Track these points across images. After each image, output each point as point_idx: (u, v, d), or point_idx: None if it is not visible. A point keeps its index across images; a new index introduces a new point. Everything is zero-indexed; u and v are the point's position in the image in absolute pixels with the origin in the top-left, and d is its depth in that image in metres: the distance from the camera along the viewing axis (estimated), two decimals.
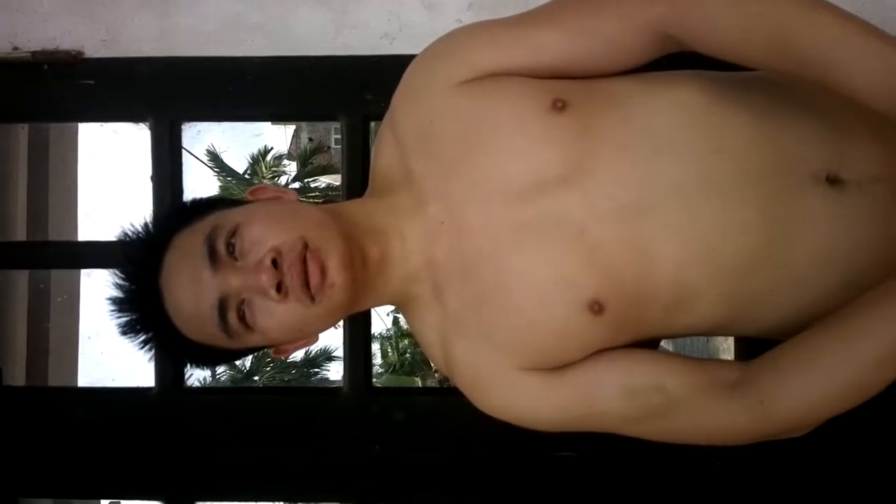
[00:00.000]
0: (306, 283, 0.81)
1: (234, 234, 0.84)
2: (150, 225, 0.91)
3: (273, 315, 0.83)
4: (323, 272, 0.82)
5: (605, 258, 0.84)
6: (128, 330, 0.90)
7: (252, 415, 1.43)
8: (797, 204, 0.84)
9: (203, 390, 1.40)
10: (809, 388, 0.82)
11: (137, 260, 0.89)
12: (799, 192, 0.84)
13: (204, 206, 0.90)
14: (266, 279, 0.81)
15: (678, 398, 0.86)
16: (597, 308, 0.84)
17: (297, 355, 12.61)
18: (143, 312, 0.89)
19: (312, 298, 0.82)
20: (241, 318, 0.83)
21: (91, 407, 1.45)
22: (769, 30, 0.80)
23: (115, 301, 0.89)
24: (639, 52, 0.89)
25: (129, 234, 0.91)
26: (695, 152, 0.84)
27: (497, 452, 1.38)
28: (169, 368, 1.41)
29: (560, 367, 0.88)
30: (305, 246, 0.82)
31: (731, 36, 0.83)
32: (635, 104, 0.87)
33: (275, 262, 0.81)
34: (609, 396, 0.87)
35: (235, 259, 0.84)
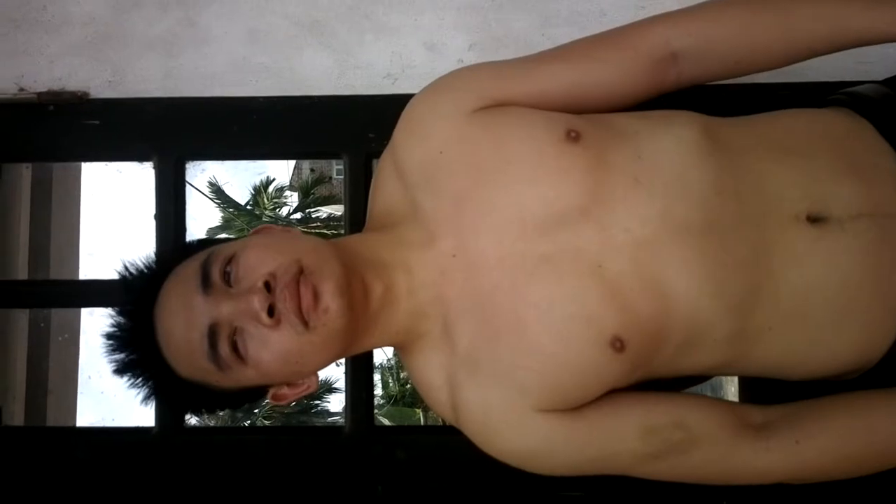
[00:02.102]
0: (300, 308, 0.78)
1: (230, 261, 0.81)
2: (152, 258, 0.90)
3: (266, 344, 0.79)
4: (316, 296, 0.78)
5: (624, 294, 0.83)
6: (119, 367, 0.87)
7: (253, 455, 1.41)
8: (781, 244, 0.85)
9: (203, 430, 1.38)
10: (850, 437, 0.83)
11: (135, 289, 0.87)
12: (782, 233, 0.85)
13: (208, 242, 0.89)
14: (258, 302, 0.77)
15: (700, 433, 0.85)
16: (618, 345, 0.82)
17: None
18: (134, 344, 0.85)
19: (306, 324, 0.78)
20: (234, 348, 0.79)
21: (90, 447, 1.43)
22: (770, 13, 0.87)
23: (108, 335, 0.87)
24: (642, 81, 0.90)
25: (130, 267, 0.89)
26: (700, 193, 0.84)
27: (502, 492, 1.35)
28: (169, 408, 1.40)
29: (575, 409, 0.86)
30: (301, 270, 0.79)
31: (737, 28, 0.88)
32: (643, 140, 0.87)
33: (268, 286, 0.78)
34: (627, 436, 0.86)
35: (230, 286, 0.81)
